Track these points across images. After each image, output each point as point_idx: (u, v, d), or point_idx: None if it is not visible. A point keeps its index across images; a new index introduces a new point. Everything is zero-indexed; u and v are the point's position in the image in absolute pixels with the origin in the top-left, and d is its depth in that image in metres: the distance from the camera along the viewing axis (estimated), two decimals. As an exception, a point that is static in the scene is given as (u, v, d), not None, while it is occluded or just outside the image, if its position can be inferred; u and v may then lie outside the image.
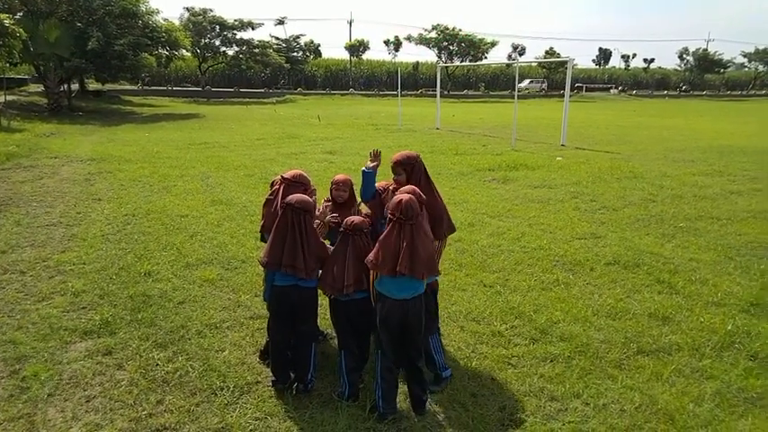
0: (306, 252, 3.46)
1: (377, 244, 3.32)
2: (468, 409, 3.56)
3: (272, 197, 3.96)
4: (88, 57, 26.34)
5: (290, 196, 3.56)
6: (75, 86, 32.85)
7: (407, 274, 3.17)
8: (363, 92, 58.02)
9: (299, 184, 3.86)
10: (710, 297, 5.33)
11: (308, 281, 3.55)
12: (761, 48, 77.76)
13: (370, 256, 3.31)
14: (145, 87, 46.58)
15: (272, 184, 4.14)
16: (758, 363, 4.13)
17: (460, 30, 61.35)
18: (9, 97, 25.58)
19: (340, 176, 4.34)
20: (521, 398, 3.69)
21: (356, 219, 3.58)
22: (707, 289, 5.54)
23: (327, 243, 3.83)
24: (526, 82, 69.49)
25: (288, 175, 3.92)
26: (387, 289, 3.33)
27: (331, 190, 4.31)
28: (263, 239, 4.08)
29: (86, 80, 35.77)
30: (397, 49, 69.18)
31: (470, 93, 62.52)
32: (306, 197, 3.61)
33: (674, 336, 4.55)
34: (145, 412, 3.49)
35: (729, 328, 4.63)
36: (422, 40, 63.09)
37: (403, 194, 3.32)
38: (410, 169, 3.92)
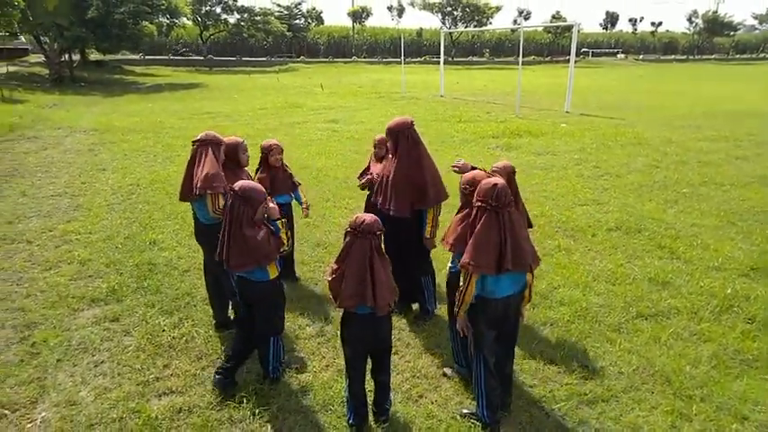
0: (230, 244, 3.13)
1: (470, 241, 2.78)
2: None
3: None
4: (88, 26, 26.05)
5: (239, 182, 3.24)
6: (76, 57, 32.55)
7: (513, 269, 2.75)
8: (367, 59, 57.22)
9: (209, 142, 3.82)
10: (711, 262, 5.35)
11: (253, 273, 3.24)
12: (773, 9, 75.92)
13: (465, 257, 2.77)
14: (146, 57, 46.06)
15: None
16: (755, 325, 4.18)
17: (465, -6, 60.07)
18: (10, 68, 25.43)
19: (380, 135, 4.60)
20: (519, 361, 3.73)
21: (368, 217, 2.85)
22: (708, 254, 5.56)
23: None
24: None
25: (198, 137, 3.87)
26: (488, 290, 2.86)
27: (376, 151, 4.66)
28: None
29: (88, 50, 35.39)
30: (400, 15, 67.94)
31: (475, 59, 61.52)
32: (253, 186, 3.20)
33: (674, 300, 4.59)
34: (152, 376, 3.58)
35: (728, 291, 4.67)
36: (425, 6, 61.89)
37: (495, 178, 2.90)
38: (394, 140, 3.96)
